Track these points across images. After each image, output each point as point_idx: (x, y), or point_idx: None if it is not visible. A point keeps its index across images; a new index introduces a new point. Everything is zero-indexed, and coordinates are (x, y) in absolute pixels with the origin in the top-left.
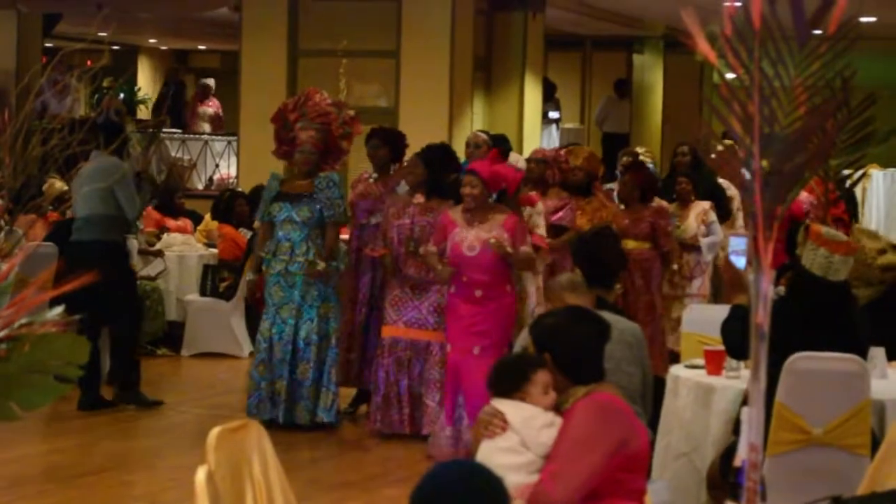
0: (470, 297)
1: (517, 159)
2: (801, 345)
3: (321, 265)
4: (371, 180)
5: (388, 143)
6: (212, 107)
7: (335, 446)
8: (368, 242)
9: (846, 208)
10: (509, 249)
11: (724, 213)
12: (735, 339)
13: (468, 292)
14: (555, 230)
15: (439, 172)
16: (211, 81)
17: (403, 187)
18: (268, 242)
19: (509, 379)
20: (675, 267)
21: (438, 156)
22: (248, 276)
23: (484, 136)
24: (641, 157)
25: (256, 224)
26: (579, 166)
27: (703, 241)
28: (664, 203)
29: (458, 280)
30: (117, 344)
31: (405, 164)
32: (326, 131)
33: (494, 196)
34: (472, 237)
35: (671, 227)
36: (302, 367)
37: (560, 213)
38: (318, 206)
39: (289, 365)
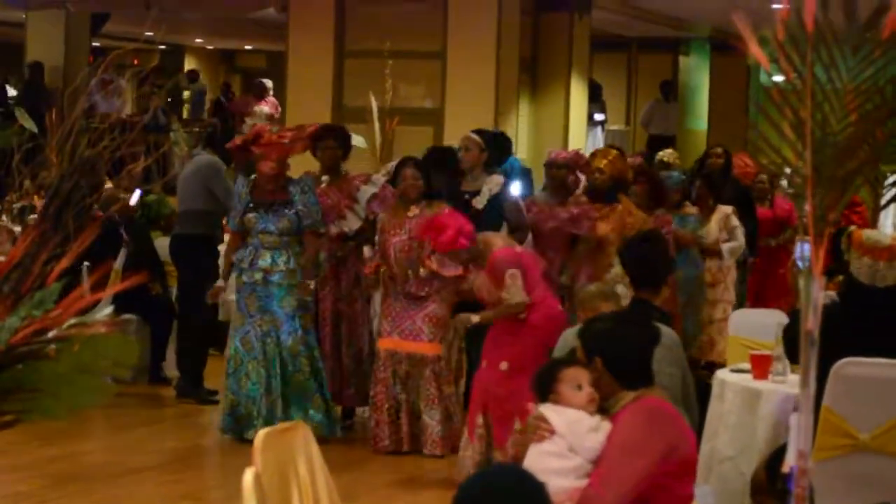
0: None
1: (497, 180)
2: (850, 350)
3: (311, 284)
4: (323, 184)
5: (342, 143)
6: (268, 105)
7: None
8: (340, 255)
9: None
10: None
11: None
12: (792, 344)
13: None
14: (573, 240)
15: (433, 177)
16: (268, 82)
17: (365, 192)
18: (240, 251)
19: (541, 383)
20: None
21: (427, 162)
22: (219, 282)
23: (475, 137)
24: (666, 160)
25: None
26: (601, 168)
27: (724, 247)
28: (691, 208)
29: None
30: (190, 333)
31: (402, 175)
32: (285, 156)
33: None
34: None
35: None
36: (297, 378)
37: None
38: (294, 214)
39: (282, 378)
